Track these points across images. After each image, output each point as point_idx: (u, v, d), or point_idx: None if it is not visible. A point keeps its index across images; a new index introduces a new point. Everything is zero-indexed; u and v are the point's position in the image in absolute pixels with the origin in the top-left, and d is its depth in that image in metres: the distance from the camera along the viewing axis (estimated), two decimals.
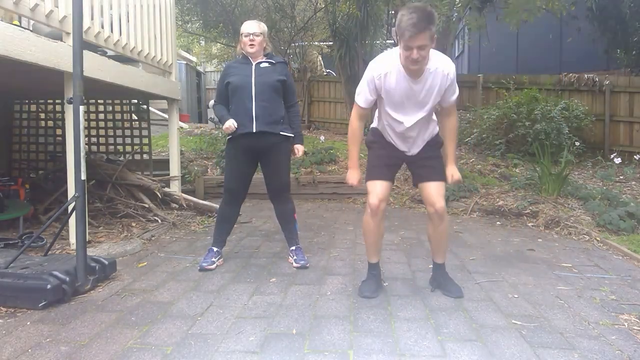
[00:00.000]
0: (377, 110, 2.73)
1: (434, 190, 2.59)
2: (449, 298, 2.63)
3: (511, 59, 11.30)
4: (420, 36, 2.23)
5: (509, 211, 4.88)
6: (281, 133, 3.17)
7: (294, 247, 3.33)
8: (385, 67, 2.46)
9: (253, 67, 3.16)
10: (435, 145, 2.71)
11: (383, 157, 2.72)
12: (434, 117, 2.72)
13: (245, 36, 3.17)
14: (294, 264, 3.22)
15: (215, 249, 3.25)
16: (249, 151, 3.18)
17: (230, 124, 3.09)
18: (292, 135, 3.25)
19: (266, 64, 3.19)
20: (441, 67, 2.45)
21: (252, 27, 3.18)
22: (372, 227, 2.64)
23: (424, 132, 2.65)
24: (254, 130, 3.08)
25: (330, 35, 10.33)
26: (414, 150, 2.68)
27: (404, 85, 2.45)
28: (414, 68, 2.37)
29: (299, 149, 3.30)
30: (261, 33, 3.18)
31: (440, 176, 2.63)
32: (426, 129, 2.65)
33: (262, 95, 3.10)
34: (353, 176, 2.68)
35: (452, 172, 2.64)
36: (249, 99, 3.10)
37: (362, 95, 2.57)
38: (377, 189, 2.60)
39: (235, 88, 3.15)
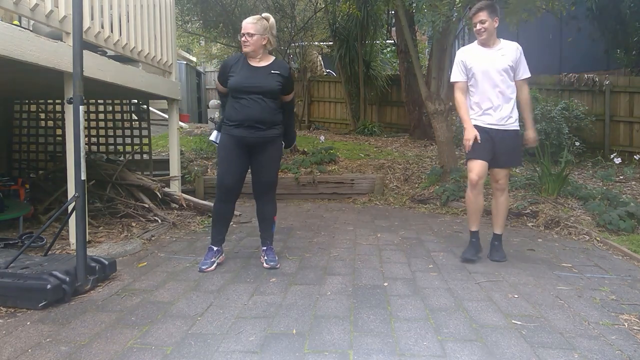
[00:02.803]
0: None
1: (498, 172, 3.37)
2: (449, 298, 2.64)
3: None
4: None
5: (509, 211, 4.87)
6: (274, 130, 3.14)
7: (265, 247, 3.31)
8: None
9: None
10: None
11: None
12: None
13: (241, 36, 3.06)
14: (265, 265, 3.21)
15: (215, 247, 3.25)
16: (242, 145, 3.10)
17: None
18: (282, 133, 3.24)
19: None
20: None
21: (247, 26, 3.03)
22: (471, 198, 3.35)
23: None
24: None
25: (330, 35, 10.35)
26: None
27: None
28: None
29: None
30: (255, 33, 3.01)
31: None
32: None
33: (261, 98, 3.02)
34: (471, 132, 3.26)
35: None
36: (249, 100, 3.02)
37: None
38: (477, 167, 3.26)
39: (233, 89, 3.07)
